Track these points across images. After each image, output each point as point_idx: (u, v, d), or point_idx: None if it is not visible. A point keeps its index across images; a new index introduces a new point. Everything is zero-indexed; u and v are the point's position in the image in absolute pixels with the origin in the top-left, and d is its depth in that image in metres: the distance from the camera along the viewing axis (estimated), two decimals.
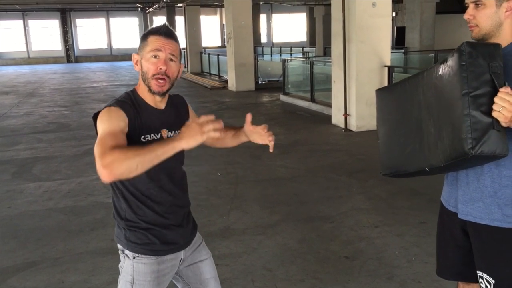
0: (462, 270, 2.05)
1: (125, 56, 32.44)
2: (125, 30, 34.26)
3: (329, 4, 8.99)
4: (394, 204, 4.64)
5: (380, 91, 2.12)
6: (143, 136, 1.77)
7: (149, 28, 1.83)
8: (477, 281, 2.04)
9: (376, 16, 7.93)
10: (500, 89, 1.55)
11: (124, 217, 1.86)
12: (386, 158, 2.05)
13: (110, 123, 1.65)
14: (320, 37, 25.24)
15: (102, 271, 3.49)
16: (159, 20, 30.73)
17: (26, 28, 32.59)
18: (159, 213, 1.85)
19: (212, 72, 18.76)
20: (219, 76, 17.44)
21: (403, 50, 17.15)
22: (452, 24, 18.95)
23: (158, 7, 24.25)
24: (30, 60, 32.30)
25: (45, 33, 32.93)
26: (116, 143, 1.56)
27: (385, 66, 8.15)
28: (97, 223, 4.40)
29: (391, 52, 9.14)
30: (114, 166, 1.46)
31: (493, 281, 1.85)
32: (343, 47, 8.08)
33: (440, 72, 1.69)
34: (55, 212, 4.75)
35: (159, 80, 1.75)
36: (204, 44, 22.98)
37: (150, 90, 1.78)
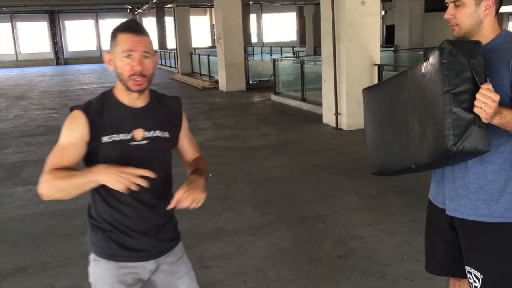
0: (451, 265, 2.08)
1: None
2: None
3: (319, 3, 9.00)
4: (385, 203, 4.65)
5: (366, 90, 2.12)
6: (107, 136, 1.69)
7: (118, 25, 1.73)
8: (463, 276, 2.06)
9: (365, 15, 7.95)
10: (482, 86, 1.57)
11: (90, 215, 1.82)
12: (374, 157, 2.06)
13: (65, 135, 1.71)
14: (310, 36, 25.31)
15: None
16: (149, 21, 30.70)
17: (15, 30, 32.35)
18: (123, 216, 1.76)
19: (202, 73, 18.71)
20: (210, 77, 17.40)
21: (392, 49, 17.24)
22: (441, 22, 19.00)
23: (148, 8, 24.17)
24: (18, 62, 32.07)
25: (34, 36, 32.69)
26: (60, 162, 1.67)
27: (375, 64, 8.17)
28: (87, 227, 4.35)
29: (381, 51, 9.16)
30: (46, 190, 1.64)
31: (481, 276, 1.87)
32: (333, 46, 8.09)
33: (423, 70, 1.71)
34: (44, 216, 4.70)
35: (136, 80, 1.68)
36: (194, 45, 22.94)
37: (128, 89, 1.71)
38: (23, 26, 32.48)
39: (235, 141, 7.54)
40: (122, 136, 1.71)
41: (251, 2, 26.56)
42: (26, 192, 5.41)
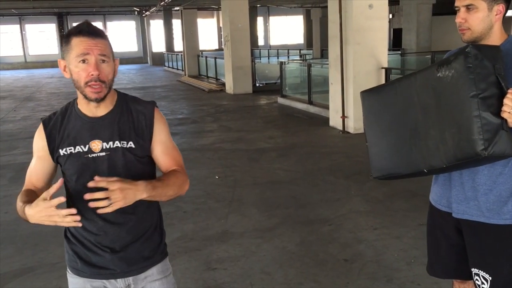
0: (456, 268, 2.08)
1: (122, 59, 32.24)
2: (122, 34, 34.26)
3: (326, 7, 9.00)
4: (392, 206, 4.63)
5: (366, 93, 2.09)
6: (64, 149, 1.63)
7: (70, 28, 1.63)
8: (467, 278, 2.05)
9: (372, 18, 7.94)
10: (509, 91, 1.58)
11: None
12: (377, 161, 2.03)
13: (33, 148, 1.72)
14: (317, 39, 25.29)
15: None
16: (157, 24, 30.80)
17: (23, 32, 32.58)
18: (85, 231, 1.65)
19: (209, 75, 18.75)
20: (217, 79, 17.44)
21: (400, 52, 17.19)
22: (448, 26, 18.96)
23: (155, 10, 24.26)
24: (27, 64, 32.28)
25: (42, 37, 32.92)
26: (28, 179, 1.70)
27: (382, 68, 8.15)
28: None
29: (388, 54, 9.14)
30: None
31: (490, 278, 1.87)
32: (340, 49, 8.08)
33: (438, 75, 1.69)
34: None
35: (94, 87, 1.56)
36: (201, 47, 23.00)
37: (86, 97, 1.59)
38: (31, 28, 32.71)
39: (242, 143, 7.54)
40: (79, 148, 1.63)
41: (258, 5, 26.60)
42: None
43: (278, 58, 20.68)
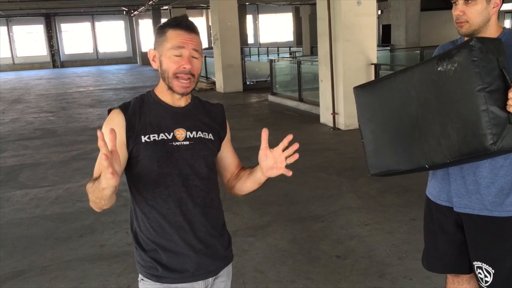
0: (455, 262, 2.08)
1: (111, 60, 32.28)
2: (111, 34, 34.06)
3: (315, 4, 9.00)
4: (384, 202, 4.65)
5: (360, 89, 2.05)
6: (147, 136, 1.57)
7: (167, 20, 1.62)
8: (465, 273, 2.06)
9: (361, 15, 7.95)
10: None
11: (132, 230, 1.65)
12: (375, 158, 2.00)
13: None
14: (306, 36, 25.31)
15: (91, 278, 3.44)
16: (145, 23, 30.67)
17: (11, 34, 32.25)
18: (165, 231, 1.59)
19: None
20: (207, 78, 17.39)
21: (389, 48, 17.26)
22: (437, 21, 19.09)
23: (144, 10, 24.15)
24: (15, 66, 31.97)
25: (30, 39, 32.62)
26: (99, 173, 1.50)
27: (372, 64, 8.17)
28: (85, 230, 4.34)
29: (377, 50, 9.18)
30: (89, 200, 1.51)
31: (493, 271, 1.88)
32: (329, 46, 8.09)
33: (439, 68, 1.67)
34: (42, 219, 4.69)
35: (182, 81, 1.57)
36: None
37: (171, 89, 1.60)
38: (19, 30, 32.39)
39: (233, 142, 7.47)
40: (163, 136, 1.58)
41: (247, 3, 26.58)
42: (24, 196, 5.39)
43: (268, 56, 20.66)
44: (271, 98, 12.08)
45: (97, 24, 33.73)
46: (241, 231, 4.14)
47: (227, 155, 1.79)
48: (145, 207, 1.59)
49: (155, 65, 1.62)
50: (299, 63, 11.02)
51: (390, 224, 4.09)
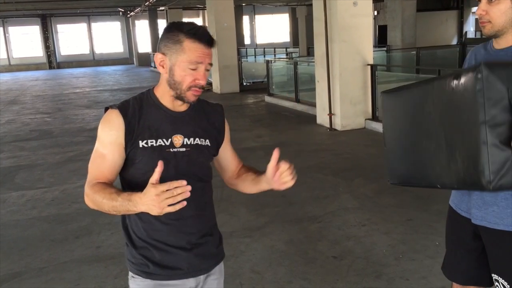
0: (475, 274, 2.02)
1: (108, 61, 32.23)
2: (107, 35, 34.01)
3: (311, 4, 9.02)
4: (380, 202, 4.66)
5: (386, 94, 1.99)
6: (145, 141, 1.55)
7: (181, 23, 1.55)
8: (486, 285, 2.02)
9: (357, 16, 7.97)
10: None
11: (124, 228, 1.67)
12: (395, 167, 1.95)
13: (103, 139, 1.58)
14: (303, 37, 25.34)
15: (88, 279, 3.44)
16: (142, 24, 30.62)
17: (6, 35, 32.17)
18: (156, 231, 1.60)
19: None
20: None
21: (385, 49, 17.28)
22: (433, 22, 19.16)
23: (140, 10, 24.12)
24: (11, 67, 31.89)
25: (26, 40, 32.53)
26: (100, 174, 1.56)
27: (368, 64, 8.19)
28: (82, 231, 4.33)
29: (374, 51, 9.18)
30: (89, 204, 1.54)
31: (508, 286, 1.83)
32: (325, 47, 8.10)
33: (453, 86, 1.58)
34: (38, 221, 4.67)
35: (194, 93, 1.57)
36: None
37: (180, 99, 1.58)
38: (15, 31, 32.31)
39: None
40: (161, 141, 1.57)
41: (244, 4, 26.58)
42: (20, 197, 5.37)
43: (264, 56, 20.66)
44: (267, 99, 12.08)
45: (93, 25, 33.67)
46: (237, 232, 4.14)
47: (226, 156, 1.81)
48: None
49: (163, 70, 1.58)
50: (295, 64, 11.03)
51: (387, 225, 4.10)
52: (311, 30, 9.07)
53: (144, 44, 30.98)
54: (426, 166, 1.76)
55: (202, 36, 1.52)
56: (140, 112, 1.58)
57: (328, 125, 8.32)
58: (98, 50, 33.96)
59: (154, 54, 1.59)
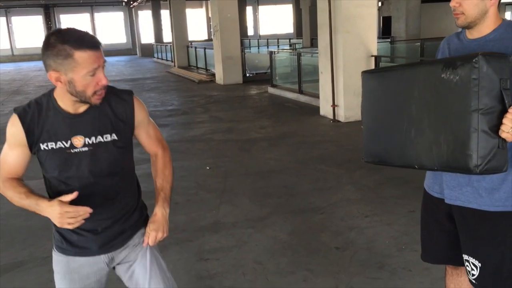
0: (448, 254, 2.09)
1: (110, 51, 32.12)
2: (110, 25, 33.94)
3: None
4: (383, 194, 4.65)
5: (368, 74, 2.03)
6: (45, 144, 1.65)
7: (65, 37, 1.53)
8: (459, 265, 2.07)
9: (361, 6, 7.92)
10: (509, 110, 1.55)
11: None
12: (371, 146, 2.01)
13: (7, 140, 1.70)
14: (306, 28, 25.19)
15: None
16: (145, 14, 30.53)
17: (10, 25, 32.15)
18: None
19: (199, 66, 18.66)
20: (207, 70, 17.35)
21: (389, 40, 17.22)
22: (438, 13, 19.02)
23: (143, 1, 24.03)
24: (14, 57, 31.92)
25: (29, 30, 32.50)
26: (9, 171, 1.72)
27: (372, 55, 8.15)
28: None
29: (378, 42, 9.14)
30: (2, 193, 1.73)
31: (479, 265, 1.88)
32: (329, 37, 8.06)
33: (443, 76, 1.65)
34: None
35: (99, 94, 1.61)
36: (190, 38, 22.85)
37: (87, 102, 1.62)
38: (18, 21, 32.29)
39: (233, 134, 7.50)
40: (60, 144, 1.65)
41: None
42: None
43: (268, 47, 20.61)
44: (271, 90, 12.05)
45: (96, 15, 33.62)
46: (240, 223, 4.14)
47: (141, 140, 1.88)
48: (54, 189, 1.75)
49: (60, 85, 1.57)
50: (299, 55, 10.99)
51: (389, 216, 4.10)
52: (315, 21, 9.02)
53: (147, 35, 30.93)
54: (405, 146, 1.81)
55: (89, 43, 1.54)
56: (39, 116, 1.65)
57: (331, 117, 8.30)
58: (101, 40, 33.63)
59: (48, 74, 1.58)
